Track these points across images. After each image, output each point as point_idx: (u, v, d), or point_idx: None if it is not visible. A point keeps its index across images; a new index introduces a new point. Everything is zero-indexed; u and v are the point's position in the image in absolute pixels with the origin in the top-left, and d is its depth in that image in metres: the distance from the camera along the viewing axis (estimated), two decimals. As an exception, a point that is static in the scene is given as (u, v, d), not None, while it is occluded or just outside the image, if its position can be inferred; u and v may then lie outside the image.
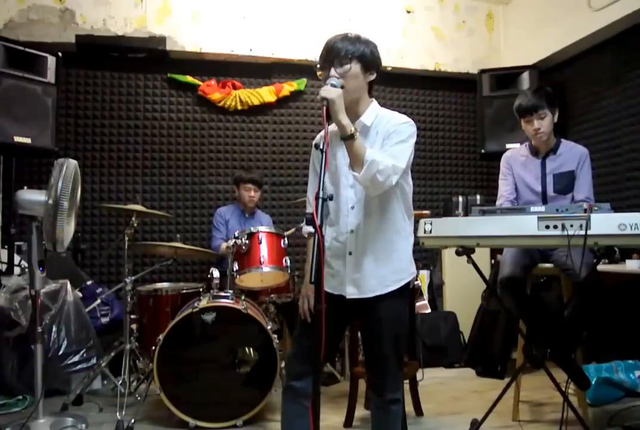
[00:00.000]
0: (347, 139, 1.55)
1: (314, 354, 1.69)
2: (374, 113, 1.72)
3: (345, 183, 1.70)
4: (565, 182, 2.62)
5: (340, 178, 1.71)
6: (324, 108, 1.53)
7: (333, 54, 1.63)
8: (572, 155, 2.64)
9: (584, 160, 2.62)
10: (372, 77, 1.71)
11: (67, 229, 2.38)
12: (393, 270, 1.71)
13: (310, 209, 1.79)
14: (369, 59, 1.67)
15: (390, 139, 1.66)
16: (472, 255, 2.05)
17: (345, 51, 1.62)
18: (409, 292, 1.79)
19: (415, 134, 1.70)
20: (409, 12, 4.47)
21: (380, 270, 1.69)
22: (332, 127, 1.68)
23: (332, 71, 1.62)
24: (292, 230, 3.35)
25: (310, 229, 1.75)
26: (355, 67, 1.64)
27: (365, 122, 1.70)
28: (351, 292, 1.69)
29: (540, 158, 2.69)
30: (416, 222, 2.03)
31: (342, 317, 1.75)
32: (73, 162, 2.43)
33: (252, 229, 2.98)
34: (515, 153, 2.78)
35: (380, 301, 1.69)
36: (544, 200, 2.64)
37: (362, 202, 1.68)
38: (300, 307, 1.74)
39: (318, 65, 1.69)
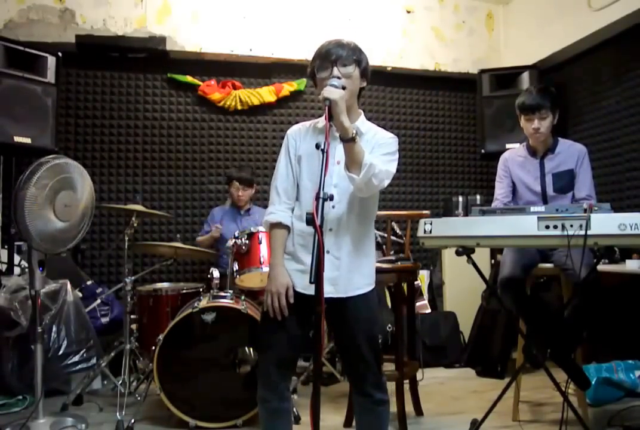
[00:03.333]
0: (348, 141, 1.55)
1: (290, 360, 1.72)
2: (364, 124, 1.77)
3: (330, 182, 1.69)
4: (565, 181, 2.62)
5: (326, 177, 1.70)
6: (326, 108, 1.53)
7: (335, 55, 1.64)
8: (570, 153, 2.64)
9: (583, 157, 2.62)
10: (364, 84, 1.75)
11: (36, 225, 2.32)
12: (363, 274, 1.73)
13: (278, 199, 1.76)
14: (365, 65, 1.72)
15: (380, 148, 1.71)
16: (472, 255, 2.05)
17: (347, 54, 1.65)
18: (376, 296, 1.79)
19: (397, 151, 1.76)
20: (409, 12, 4.47)
21: (354, 272, 1.70)
22: (317, 125, 1.78)
23: (335, 71, 1.63)
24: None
25: (275, 218, 1.73)
26: (355, 70, 1.67)
27: (360, 127, 1.73)
28: (328, 291, 1.64)
29: (538, 158, 2.68)
30: (416, 222, 2.03)
31: (309, 317, 1.67)
32: (58, 161, 2.41)
33: (252, 229, 2.98)
34: (513, 154, 2.78)
35: (352, 303, 1.69)
36: (544, 200, 2.64)
37: (343, 202, 1.69)
38: (266, 304, 1.67)
39: (316, 67, 1.69)
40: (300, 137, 1.80)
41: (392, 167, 1.70)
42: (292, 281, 1.69)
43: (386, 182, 1.66)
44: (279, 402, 1.70)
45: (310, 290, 1.63)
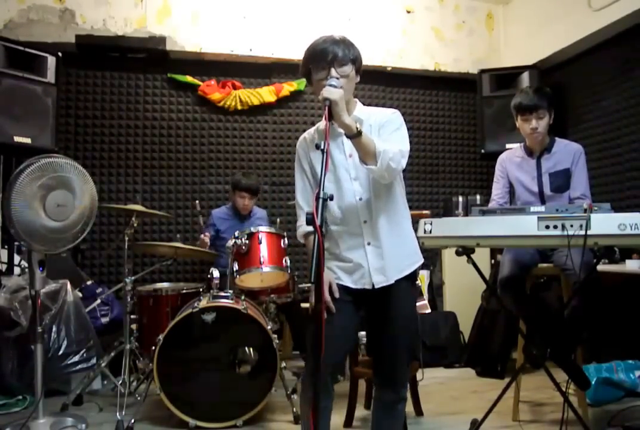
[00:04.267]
0: (355, 136, 1.57)
1: (342, 356, 1.76)
2: (362, 110, 1.79)
3: (348, 177, 1.72)
4: (562, 181, 2.62)
5: (342, 173, 1.73)
6: (326, 108, 1.54)
7: (331, 55, 1.64)
8: (566, 153, 2.65)
9: (579, 157, 2.63)
10: (358, 78, 1.76)
11: (22, 223, 2.31)
12: (406, 254, 1.78)
13: (302, 212, 1.80)
14: (359, 61, 1.73)
15: (385, 128, 1.73)
16: (472, 255, 2.05)
17: (343, 53, 1.66)
18: (417, 280, 1.84)
19: (404, 122, 1.78)
20: (409, 12, 4.47)
21: (397, 255, 1.73)
22: (319, 128, 1.78)
23: (334, 72, 1.64)
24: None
25: (305, 229, 1.76)
26: (352, 69, 1.69)
27: (359, 116, 1.74)
28: (379, 281, 1.71)
29: (535, 158, 2.69)
30: (416, 223, 2.03)
31: (360, 310, 1.77)
32: (49, 159, 2.39)
33: (252, 229, 2.98)
34: (510, 155, 2.79)
35: (396, 287, 1.72)
36: (542, 199, 2.64)
37: (369, 192, 1.72)
38: (311, 303, 1.68)
39: (312, 68, 1.69)
40: (307, 146, 1.80)
41: (405, 145, 1.71)
42: (341, 278, 1.73)
43: (404, 162, 1.67)
44: (327, 401, 1.68)
45: (359, 284, 1.72)
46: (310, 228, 1.72)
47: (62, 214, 2.45)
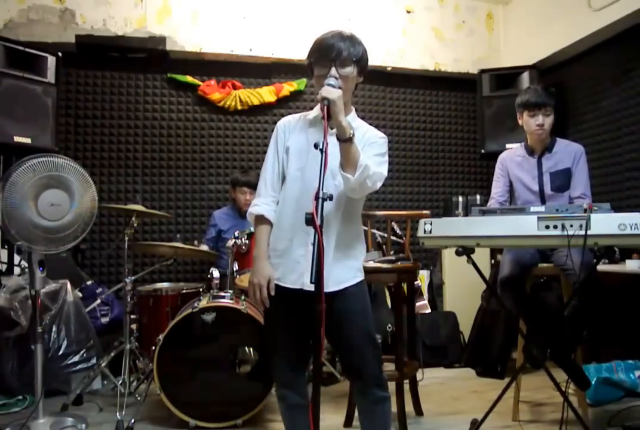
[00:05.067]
0: (345, 141, 1.55)
1: (301, 356, 1.71)
2: (356, 119, 1.77)
3: (317, 173, 1.67)
4: (562, 180, 2.64)
5: (313, 167, 1.66)
6: (325, 108, 1.53)
7: (335, 53, 1.62)
8: (568, 153, 2.66)
9: (580, 157, 2.64)
10: (361, 79, 1.74)
11: (14, 222, 2.30)
12: (349, 267, 1.72)
13: (265, 191, 1.76)
14: (364, 62, 1.71)
15: (370, 147, 1.70)
16: (472, 255, 2.05)
17: (348, 53, 1.63)
18: (366, 289, 1.77)
19: (387, 151, 1.77)
20: (409, 12, 4.47)
21: (339, 266, 1.68)
22: (307, 116, 1.77)
23: (334, 71, 1.62)
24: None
25: (259, 210, 1.72)
26: (354, 70, 1.67)
27: (353, 123, 1.71)
28: (310, 284, 1.60)
29: (536, 157, 2.71)
30: (416, 222, 2.03)
31: (305, 313, 1.62)
32: (43, 158, 2.37)
33: (252, 229, 2.97)
34: (511, 154, 2.80)
35: (341, 297, 1.67)
36: (542, 199, 2.65)
37: (333, 193, 1.66)
38: (251, 297, 1.67)
39: (313, 62, 1.68)
40: (289, 128, 1.78)
41: (385, 169, 1.70)
42: (281, 279, 1.69)
43: (379, 184, 1.66)
44: (298, 398, 1.72)
45: (297, 284, 1.65)
46: (263, 212, 1.71)
47: (56, 213, 2.43)
